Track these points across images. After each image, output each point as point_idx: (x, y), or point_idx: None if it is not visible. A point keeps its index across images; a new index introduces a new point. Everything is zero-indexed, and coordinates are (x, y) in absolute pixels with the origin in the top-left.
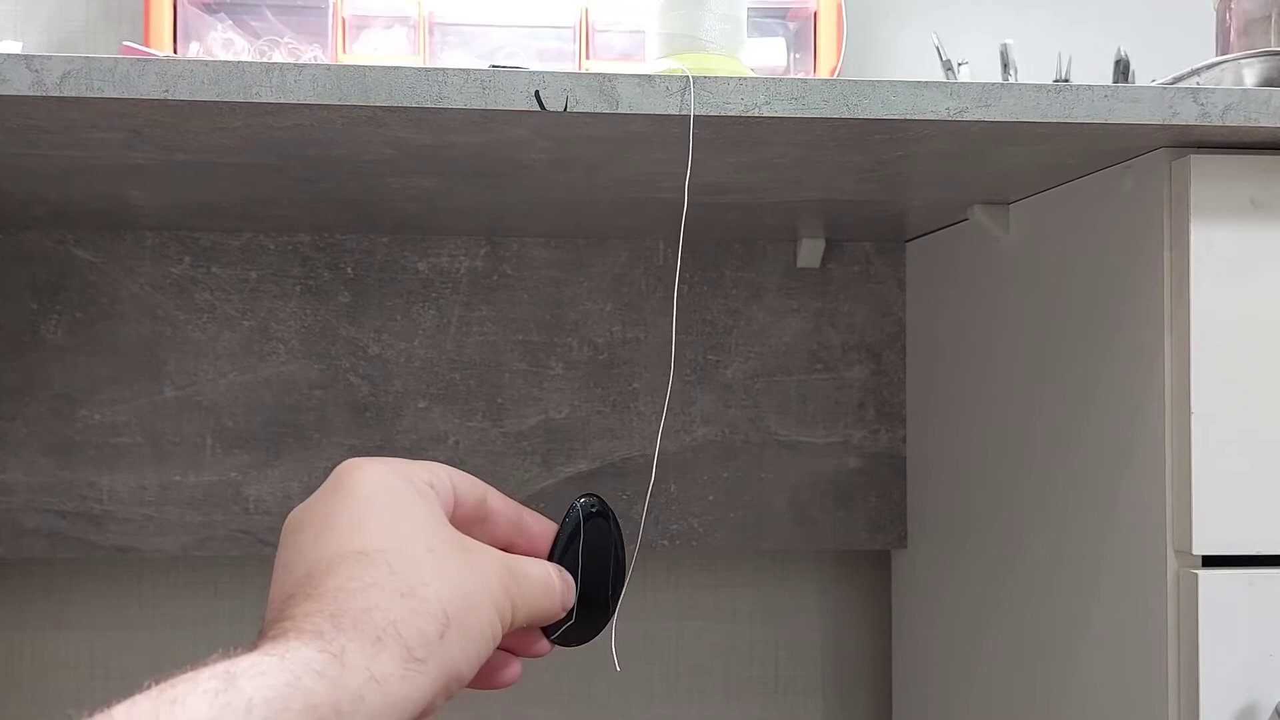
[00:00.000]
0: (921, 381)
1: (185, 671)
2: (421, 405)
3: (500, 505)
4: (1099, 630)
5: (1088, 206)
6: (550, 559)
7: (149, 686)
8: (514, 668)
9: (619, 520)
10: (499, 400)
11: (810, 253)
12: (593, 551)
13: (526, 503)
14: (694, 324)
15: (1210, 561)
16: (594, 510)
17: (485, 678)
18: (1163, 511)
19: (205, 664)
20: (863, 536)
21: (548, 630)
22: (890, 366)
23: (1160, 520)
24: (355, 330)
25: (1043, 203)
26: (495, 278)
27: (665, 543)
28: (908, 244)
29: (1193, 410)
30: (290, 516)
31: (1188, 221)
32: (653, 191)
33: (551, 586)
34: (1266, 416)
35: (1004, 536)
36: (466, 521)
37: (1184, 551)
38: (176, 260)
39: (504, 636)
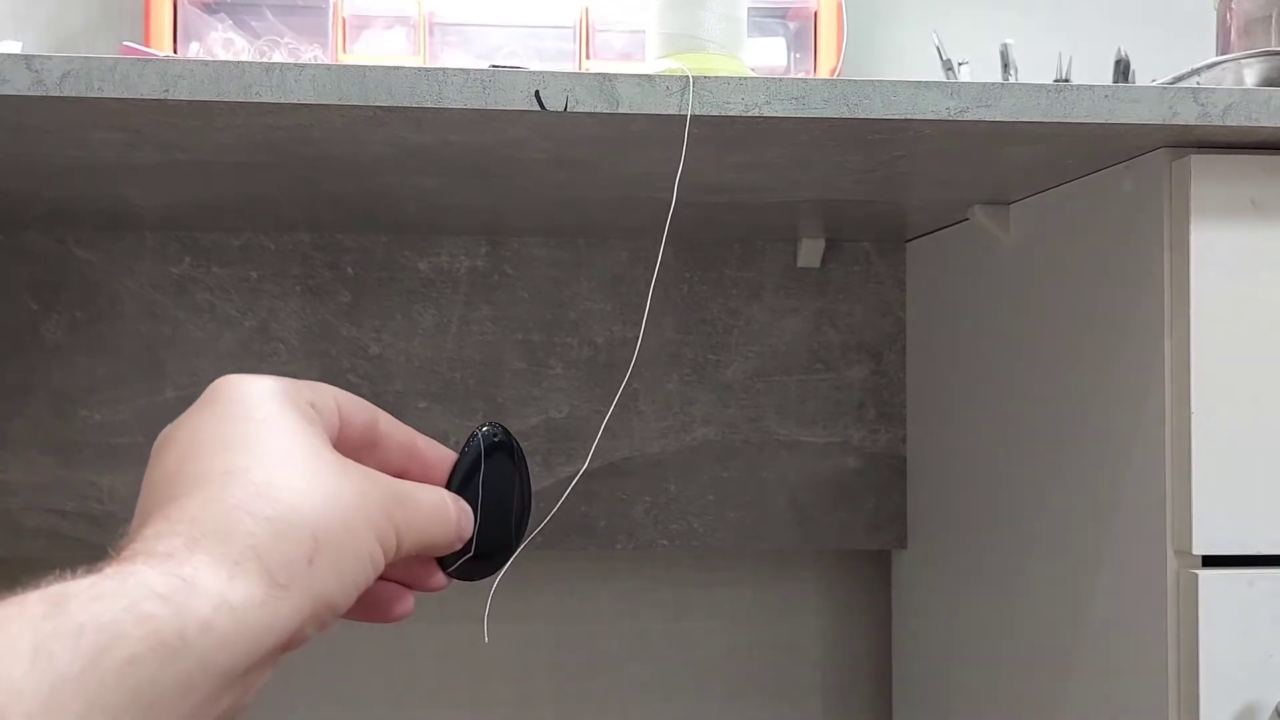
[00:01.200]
0: (921, 381)
1: (16, 594)
2: (422, 405)
3: (392, 430)
4: (1099, 630)
5: (1088, 206)
6: (449, 489)
7: None
8: (406, 601)
9: (524, 452)
10: (499, 400)
11: (810, 252)
12: (495, 482)
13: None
14: (694, 324)
15: (1210, 561)
16: (496, 440)
17: (375, 610)
18: (1163, 511)
19: (39, 586)
20: (863, 536)
21: (445, 563)
22: (890, 366)
23: (1160, 520)
24: (355, 330)
25: (1043, 203)
26: (495, 277)
27: (665, 542)
28: (908, 244)
29: (1193, 410)
30: (161, 434)
31: (1188, 222)
32: (652, 191)
33: (445, 514)
34: (1266, 416)
35: (1004, 536)
36: (355, 446)
37: (1184, 551)
38: (176, 260)
39: (393, 567)
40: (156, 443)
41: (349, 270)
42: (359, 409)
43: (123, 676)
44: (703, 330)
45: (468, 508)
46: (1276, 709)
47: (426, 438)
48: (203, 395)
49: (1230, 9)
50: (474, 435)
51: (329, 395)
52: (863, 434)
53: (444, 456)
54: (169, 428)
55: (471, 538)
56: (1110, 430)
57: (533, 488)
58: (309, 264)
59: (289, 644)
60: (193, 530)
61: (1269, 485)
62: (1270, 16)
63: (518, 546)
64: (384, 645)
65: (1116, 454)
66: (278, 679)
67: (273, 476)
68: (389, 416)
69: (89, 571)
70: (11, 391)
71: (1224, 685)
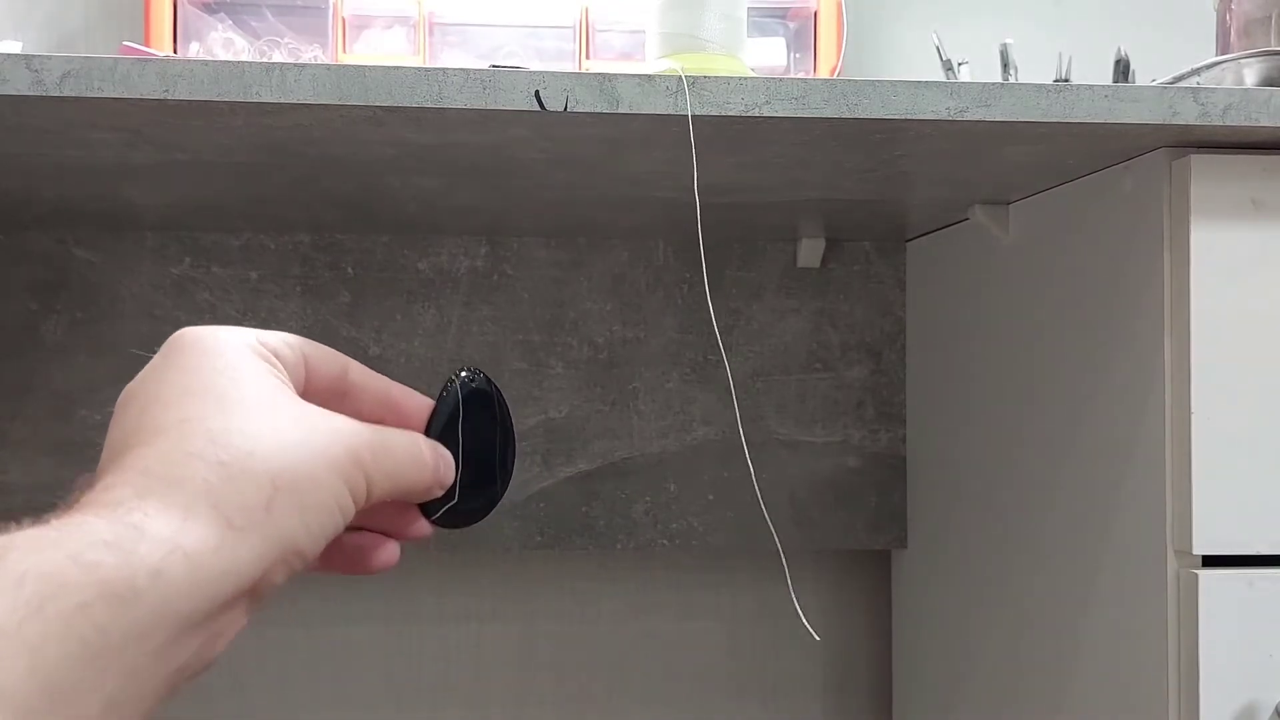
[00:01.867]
0: (921, 381)
1: None
2: None
3: (365, 379)
4: (1099, 630)
5: (1088, 206)
6: (427, 436)
7: None
8: (389, 549)
9: (504, 396)
10: None
11: (810, 252)
12: (475, 428)
13: (527, 503)
14: (694, 324)
15: (1210, 561)
16: (474, 385)
17: (357, 561)
18: (1163, 511)
19: None
20: (863, 536)
21: (428, 510)
22: (890, 366)
23: (1160, 520)
24: (356, 330)
25: (1043, 203)
26: (495, 277)
27: (665, 542)
28: (908, 244)
29: (1193, 410)
30: (124, 390)
31: (1188, 221)
32: (652, 191)
33: (419, 458)
34: (1266, 416)
35: (1004, 536)
36: (324, 395)
37: (1184, 551)
38: (176, 260)
39: (374, 516)
40: (118, 400)
41: (349, 270)
42: (327, 358)
43: (69, 626)
44: (703, 330)
45: (446, 453)
46: (1276, 709)
47: (403, 386)
48: (162, 348)
49: (1230, 9)
50: (450, 381)
51: (295, 343)
52: (863, 434)
53: (422, 405)
54: (131, 383)
55: (454, 485)
56: (1110, 430)
57: (532, 482)
58: (309, 264)
59: (255, 591)
60: (144, 479)
61: (1269, 485)
62: (1270, 16)
63: (501, 492)
64: (384, 645)
65: (1116, 454)
66: (278, 678)
67: (229, 423)
68: (361, 366)
69: (34, 523)
70: (11, 391)
71: (1224, 685)
